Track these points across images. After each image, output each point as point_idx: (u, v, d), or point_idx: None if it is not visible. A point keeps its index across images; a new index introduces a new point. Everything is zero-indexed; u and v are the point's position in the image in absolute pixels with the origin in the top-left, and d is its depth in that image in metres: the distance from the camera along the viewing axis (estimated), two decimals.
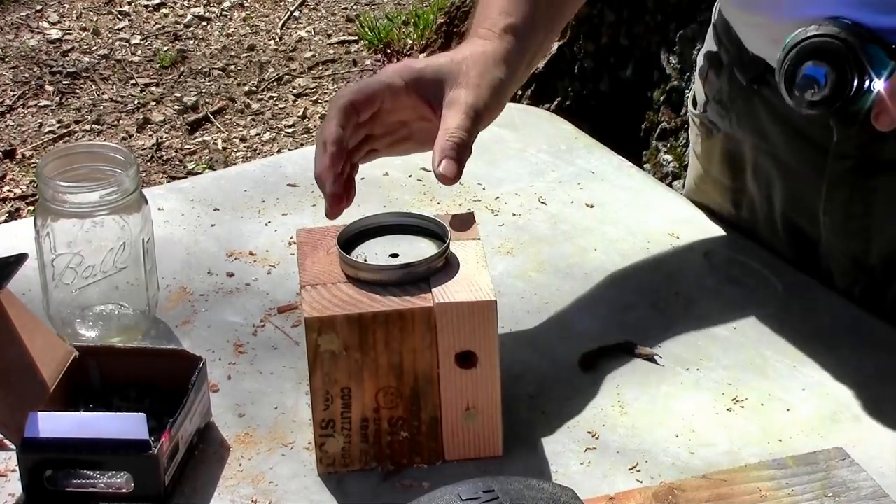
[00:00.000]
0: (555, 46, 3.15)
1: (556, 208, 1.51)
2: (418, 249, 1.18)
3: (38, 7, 4.09)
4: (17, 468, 1.15)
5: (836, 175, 1.36)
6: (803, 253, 1.43)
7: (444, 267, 1.16)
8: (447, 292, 1.14)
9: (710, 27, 1.49)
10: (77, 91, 3.73)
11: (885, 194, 1.35)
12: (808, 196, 1.40)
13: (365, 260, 1.17)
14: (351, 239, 1.20)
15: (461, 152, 1.21)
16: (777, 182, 1.43)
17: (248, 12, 4.11)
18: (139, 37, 3.97)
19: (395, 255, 1.18)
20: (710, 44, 1.49)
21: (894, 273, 1.37)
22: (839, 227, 1.38)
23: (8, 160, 3.45)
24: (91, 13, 4.07)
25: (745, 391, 1.25)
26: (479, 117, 1.23)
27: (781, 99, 1.25)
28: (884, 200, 1.35)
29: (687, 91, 2.80)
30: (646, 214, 1.50)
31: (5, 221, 3.07)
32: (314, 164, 1.21)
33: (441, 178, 1.21)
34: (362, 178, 1.53)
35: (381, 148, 1.28)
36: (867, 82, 1.19)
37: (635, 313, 1.35)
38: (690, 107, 1.56)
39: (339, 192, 1.21)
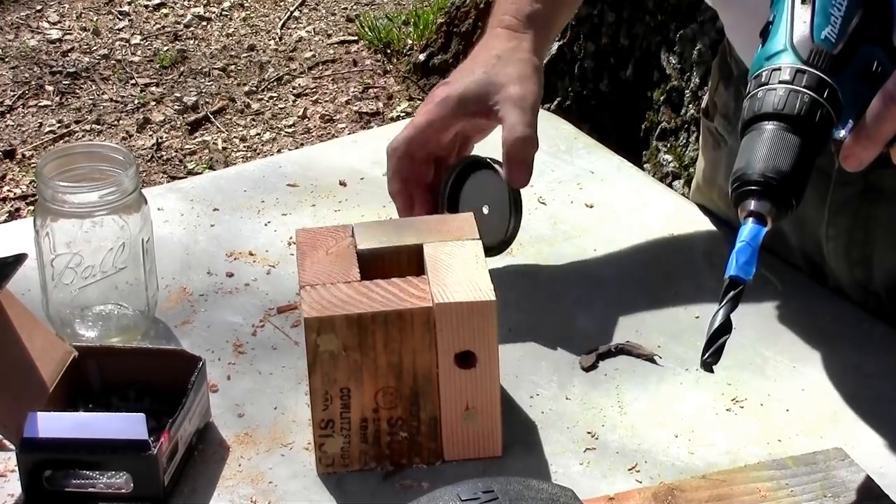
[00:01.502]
0: (555, 46, 3.15)
1: (555, 208, 1.51)
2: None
3: (38, 7, 4.09)
4: (16, 468, 1.15)
5: (839, 202, 1.36)
6: (811, 270, 1.42)
7: (445, 264, 1.17)
8: (447, 292, 1.14)
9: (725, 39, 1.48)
10: (77, 91, 3.72)
11: (885, 223, 1.34)
12: (812, 221, 1.39)
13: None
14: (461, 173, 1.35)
15: (529, 150, 1.29)
16: None
17: (248, 12, 4.11)
18: (139, 37, 3.97)
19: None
20: (722, 55, 1.48)
21: None
22: (842, 253, 1.38)
23: (8, 160, 3.45)
24: (91, 13, 4.07)
25: (745, 391, 1.25)
26: (535, 109, 1.30)
27: None
28: (884, 229, 1.35)
29: (687, 91, 2.80)
30: (645, 214, 1.50)
31: (5, 221, 3.07)
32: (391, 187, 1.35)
33: (514, 185, 1.30)
34: (362, 178, 1.54)
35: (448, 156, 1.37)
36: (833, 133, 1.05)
37: (635, 313, 1.35)
38: (702, 114, 1.55)
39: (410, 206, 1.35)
